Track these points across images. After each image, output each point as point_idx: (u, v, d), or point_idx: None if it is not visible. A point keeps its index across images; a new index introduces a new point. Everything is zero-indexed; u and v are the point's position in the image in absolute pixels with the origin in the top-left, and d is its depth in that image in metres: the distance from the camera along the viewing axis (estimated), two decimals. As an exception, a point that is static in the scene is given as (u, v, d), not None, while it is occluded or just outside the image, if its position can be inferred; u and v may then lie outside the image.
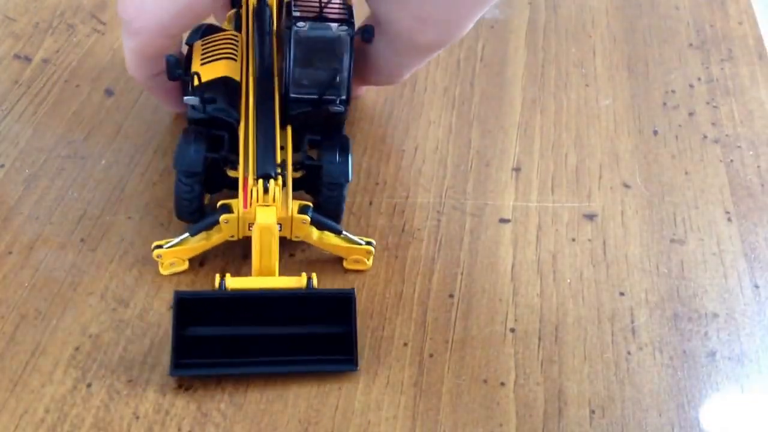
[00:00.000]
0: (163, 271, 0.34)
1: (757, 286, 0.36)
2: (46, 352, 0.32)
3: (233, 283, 0.32)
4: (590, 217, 0.39)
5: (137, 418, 0.30)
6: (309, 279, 0.32)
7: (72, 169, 0.39)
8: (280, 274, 0.33)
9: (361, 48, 0.37)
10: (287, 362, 0.32)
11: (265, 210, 0.32)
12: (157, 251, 0.34)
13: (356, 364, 0.31)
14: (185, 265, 0.35)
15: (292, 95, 0.35)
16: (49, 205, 0.37)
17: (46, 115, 0.42)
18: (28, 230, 0.36)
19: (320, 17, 0.34)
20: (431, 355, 0.33)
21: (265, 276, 0.33)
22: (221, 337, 0.31)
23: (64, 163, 0.39)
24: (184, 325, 0.31)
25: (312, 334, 0.32)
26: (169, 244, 0.34)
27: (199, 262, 0.35)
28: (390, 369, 0.32)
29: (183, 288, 0.34)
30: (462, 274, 0.36)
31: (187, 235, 0.34)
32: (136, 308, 0.33)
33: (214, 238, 0.34)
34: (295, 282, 0.32)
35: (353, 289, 0.32)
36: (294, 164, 0.35)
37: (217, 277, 0.32)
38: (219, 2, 0.35)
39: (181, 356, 0.31)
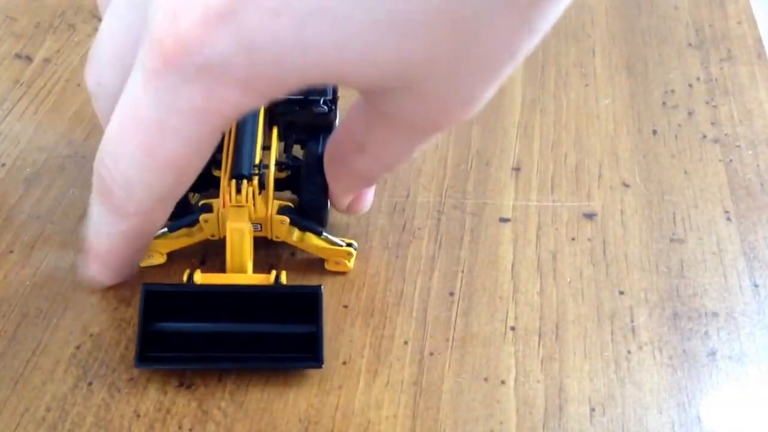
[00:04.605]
0: (140, 263, 0.34)
1: (756, 285, 0.36)
2: (47, 351, 0.32)
3: (202, 278, 0.32)
4: (590, 216, 0.39)
5: (138, 416, 0.30)
6: (277, 276, 0.32)
7: (73, 169, 0.39)
8: (280, 273, 0.33)
9: (348, 157, 0.31)
10: (253, 358, 0.32)
11: (237, 210, 0.33)
12: None
13: (321, 362, 0.31)
14: (163, 259, 0.35)
15: None
16: (50, 204, 0.37)
17: (47, 114, 0.42)
18: (29, 229, 0.36)
19: None
20: (431, 354, 0.33)
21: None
22: (189, 331, 0.32)
23: (65, 162, 0.39)
24: (152, 318, 0.31)
25: (279, 331, 0.32)
26: None
27: (200, 260, 0.35)
28: (390, 368, 0.32)
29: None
30: (462, 272, 0.36)
31: (165, 230, 0.34)
32: (137, 307, 0.33)
33: (196, 236, 0.34)
34: (264, 279, 0.33)
35: (320, 286, 0.32)
36: (279, 164, 0.35)
37: (186, 271, 0.32)
38: (207, 156, 0.26)
39: (147, 349, 0.31)
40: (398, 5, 0.21)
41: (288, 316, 0.32)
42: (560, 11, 0.24)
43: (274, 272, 0.33)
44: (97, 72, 0.27)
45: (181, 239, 0.34)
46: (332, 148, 0.32)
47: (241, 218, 0.32)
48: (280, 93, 0.24)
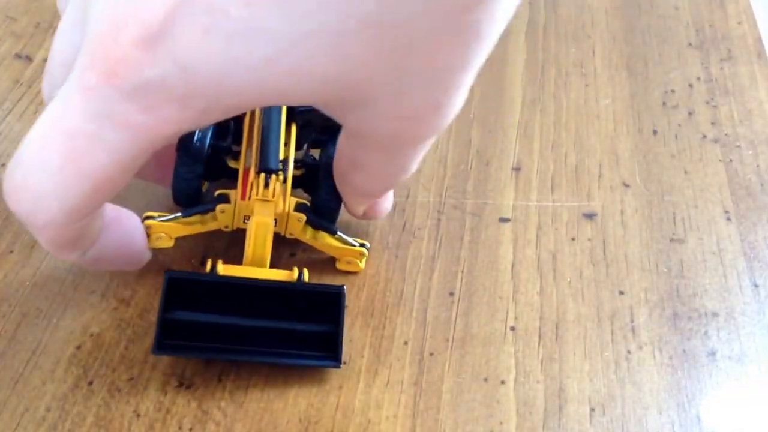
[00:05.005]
0: (149, 244, 0.34)
1: (756, 285, 0.36)
2: (47, 351, 0.32)
3: (225, 269, 0.32)
4: (590, 216, 0.39)
5: (138, 416, 0.30)
6: (300, 273, 0.32)
7: (73, 169, 0.39)
8: (302, 270, 0.33)
9: (346, 175, 0.31)
10: (271, 353, 0.32)
11: (264, 204, 0.32)
12: (148, 222, 0.33)
13: (340, 361, 0.31)
14: (171, 243, 0.34)
15: None
16: (50, 204, 0.37)
17: (47, 114, 0.42)
18: (29, 229, 0.36)
19: None
20: (431, 354, 0.33)
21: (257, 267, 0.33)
22: (208, 321, 0.31)
23: (65, 162, 0.39)
24: (172, 306, 0.31)
25: (299, 328, 0.32)
26: (161, 218, 0.34)
27: (200, 260, 0.35)
28: (390, 368, 0.32)
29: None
30: (462, 272, 0.36)
31: (179, 214, 0.34)
32: (137, 307, 0.34)
33: (209, 224, 0.34)
34: (286, 275, 0.33)
35: (343, 285, 0.32)
36: (295, 162, 0.35)
37: (209, 262, 0.32)
38: (131, 175, 0.26)
39: (165, 336, 0.31)
40: (326, 18, 0.21)
41: (308, 314, 0.32)
42: (508, 13, 0.23)
43: (296, 269, 0.33)
44: (50, 82, 0.27)
45: (194, 226, 0.34)
46: (335, 165, 0.32)
47: (268, 212, 0.32)
48: (220, 113, 0.24)
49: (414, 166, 0.29)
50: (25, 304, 0.34)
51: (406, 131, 0.27)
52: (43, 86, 0.28)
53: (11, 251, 0.35)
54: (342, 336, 0.31)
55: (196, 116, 0.24)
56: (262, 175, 0.32)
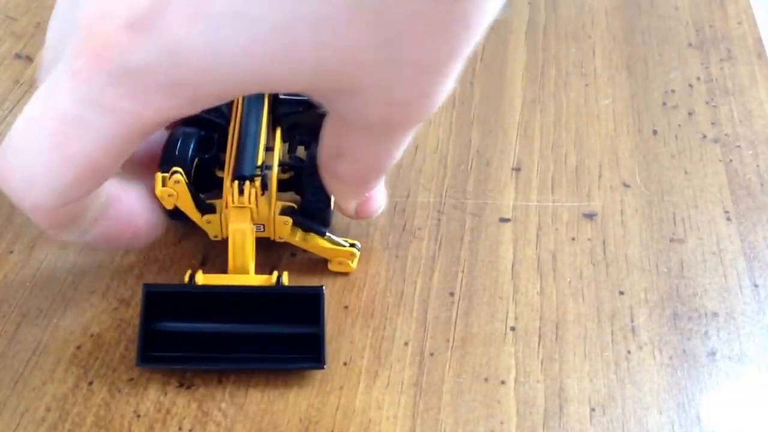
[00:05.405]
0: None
1: (756, 285, 0.36)
2: (47, 351, 0.32)
3: (203, 278, 0.32)
4: (590, 216, 0.39)
5: (138, 416, 0.30)
6: (279, 277, 0.32)
7: (73, 169, 0.39)
8: (281, 274, 0.33)
9: (330, 164, 0.31)
10: (255, 359, 0.32)
11: (239, 211, 0.32)
12: (165, 174, 0.32)
13: (323, 363, 0.31)
14: (170, 207, 0.33)
15: (281, 96, 0.35)
16: (50, 204, 0.37)
17: (47, 114, 0.42)
18: (30, 230, 0.36)
19: None
20: (432, 354, 0.33)
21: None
22: (190, 331, 0.32)
23: (65, 162, 0.39)
24: (153, 317, 0.31)
25: (281, 332, 0.32)
26: (177, 181, 0.33)
27: (201, 261, 0.35)
28: (391, 368, 0.32)
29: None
30: (462, 272, 0.36)
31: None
32: (137, 307, 0.34)
33: (203, 224, 0.34)
34: (265, 280, 0.33)
35: (322, 286, 0.32)
36: (282, 165, 0.35)
37: (188, 272, 0.32)
38: (120, 162, 0.26)
39: (148, 348, 0.31)
40: (311, 4, 0.21)
41: (289, 317, 0.32)
42: (498, 2, 0.23)
43: (275, 273, 0.33)
44: (43, 66, 0.28)
45: (194, 211, 0.33)
46: (318, 156, 0.32)
47: (244, 219, 0.33)
48: (207, 101, 0.24)
49: (399, 153, 0.29)
50: (25, 304, 0.34)
51: (395, 117, 0.26)
52: (39, 70, 0.28)
53: (11, 251, 0.35)
54: (324, 336, 0.31)
55: (183, 103, 0.24)
56: (236, 182, 0.32)
